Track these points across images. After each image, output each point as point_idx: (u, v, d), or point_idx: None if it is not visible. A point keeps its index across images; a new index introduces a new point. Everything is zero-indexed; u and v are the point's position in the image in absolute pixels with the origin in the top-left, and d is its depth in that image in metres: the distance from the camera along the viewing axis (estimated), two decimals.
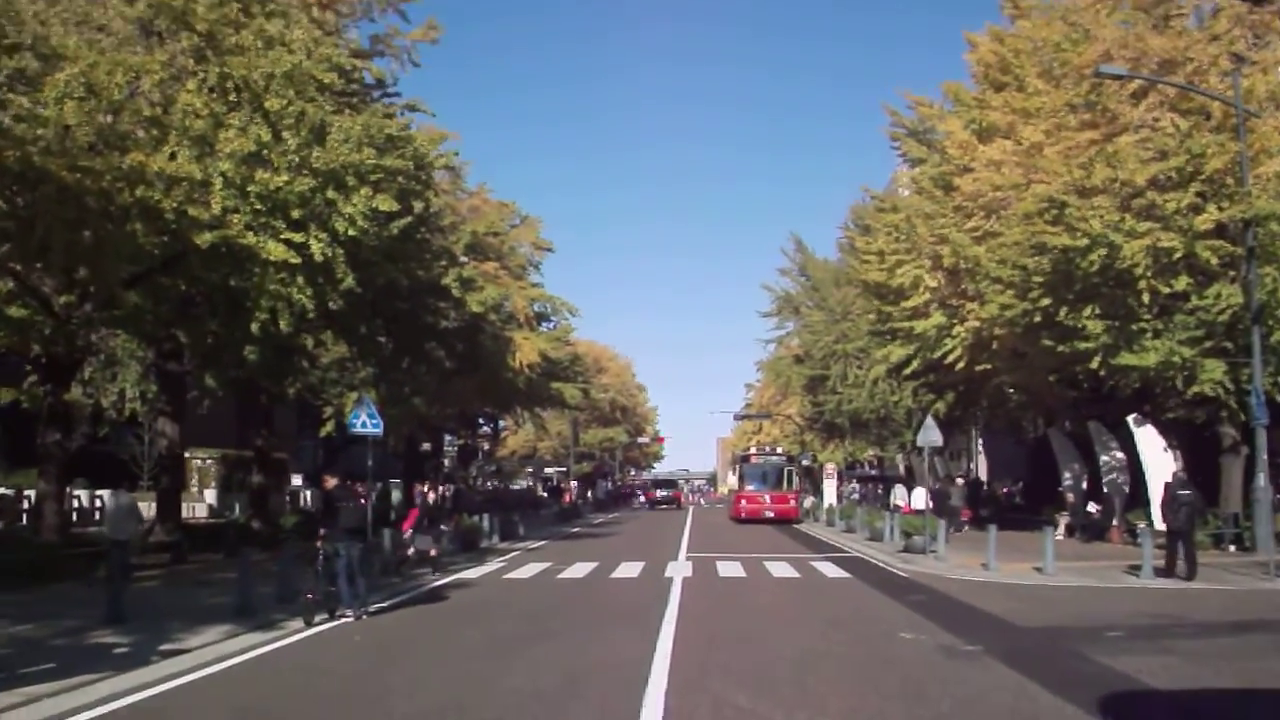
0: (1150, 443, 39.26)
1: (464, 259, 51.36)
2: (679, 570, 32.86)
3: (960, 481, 60.00)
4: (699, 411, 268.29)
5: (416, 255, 37.46)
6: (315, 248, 28.30)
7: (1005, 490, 72.70)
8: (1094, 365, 36.22)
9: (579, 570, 33.07)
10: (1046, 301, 36.03)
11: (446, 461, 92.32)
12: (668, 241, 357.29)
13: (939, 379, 52.33)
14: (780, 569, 33.31)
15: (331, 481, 23.26)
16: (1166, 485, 32.39)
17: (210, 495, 60.55)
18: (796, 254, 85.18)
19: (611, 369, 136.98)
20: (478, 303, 44.39)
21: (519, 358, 58.69)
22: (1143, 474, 39.61)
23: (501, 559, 37.55)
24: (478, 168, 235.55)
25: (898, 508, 50.30)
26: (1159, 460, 38.90)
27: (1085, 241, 33.96)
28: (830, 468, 77.69)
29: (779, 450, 78.15)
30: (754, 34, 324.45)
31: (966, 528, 47.62)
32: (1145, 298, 34.47)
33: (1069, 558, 32.59)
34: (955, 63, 60.11)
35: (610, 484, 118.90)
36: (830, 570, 32.98)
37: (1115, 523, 41.06)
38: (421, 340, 44.01)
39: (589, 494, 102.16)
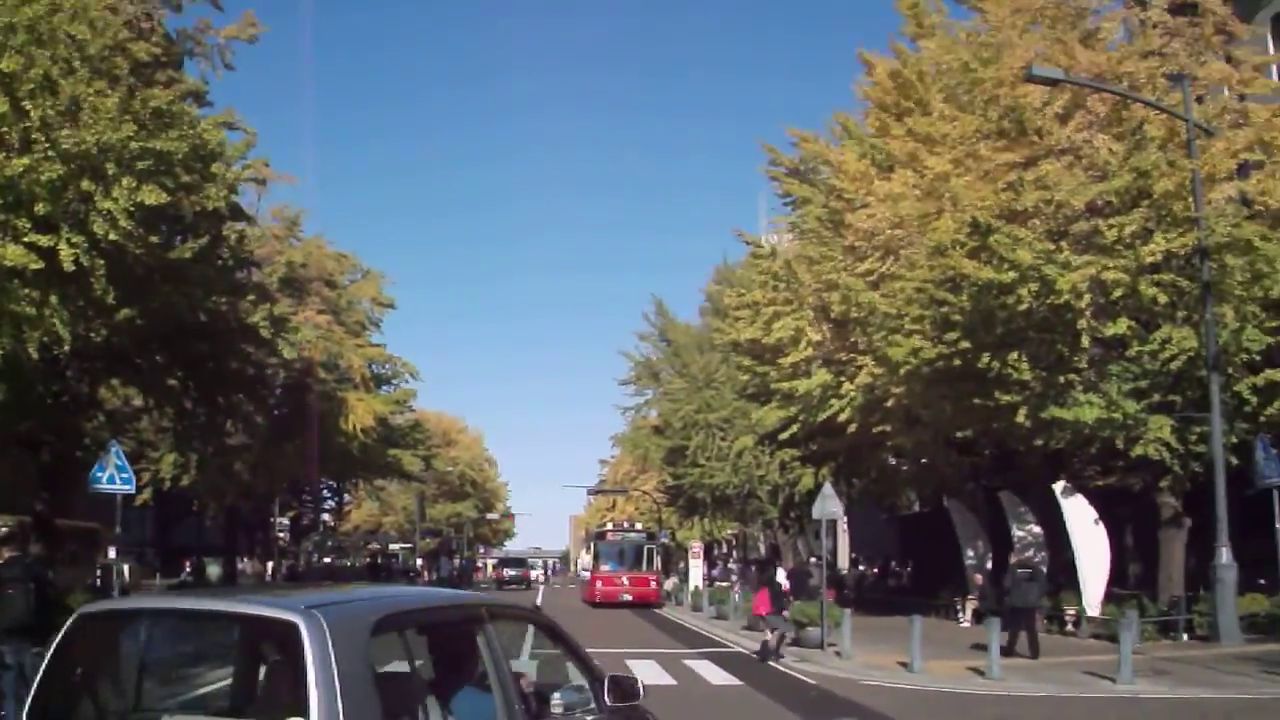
0: (1079, 515, 33.93)
1: (293, 312, 45.34)
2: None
3: (813, 560, 54.86)
4: (552, 489, 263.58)
5: (211, 283, 30.81)
6: (64, 254, 22.14)
7: (876, 570, 67.97)
8: (1020, 418, 30.85)
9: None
10: (966, 345, 30.62)
11: (283, 536, 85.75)
12: (521, 310, 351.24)
13: (822, 446, 47.21)
14: (649, 671, 25.74)
15: (2, 554, 16.32)
16: (1009, 565, 31.92)
17: None
18: (657, 318, 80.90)
19: (462, 441, 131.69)
20: (290, 345, 37.63)
21: (352, 420, 52.93)
22: (1070, 552, 34.28)
23: None
24: (322, 224, 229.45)
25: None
26: (1090, 534, 33.65)
27: (1013, 275, 28.70)
28: (696, 546, 72.32)
29: (638, 527, 72.31)
30: (614, 81, 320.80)
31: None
32: (1085, 341, 29.50)
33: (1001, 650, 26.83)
34: (835, 103, 55.46)
35: (455, 561, 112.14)
36: (713, 674, 26.53)
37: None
38: (228, 390, 37.37)
39: (435, 572, 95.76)
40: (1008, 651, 26.72)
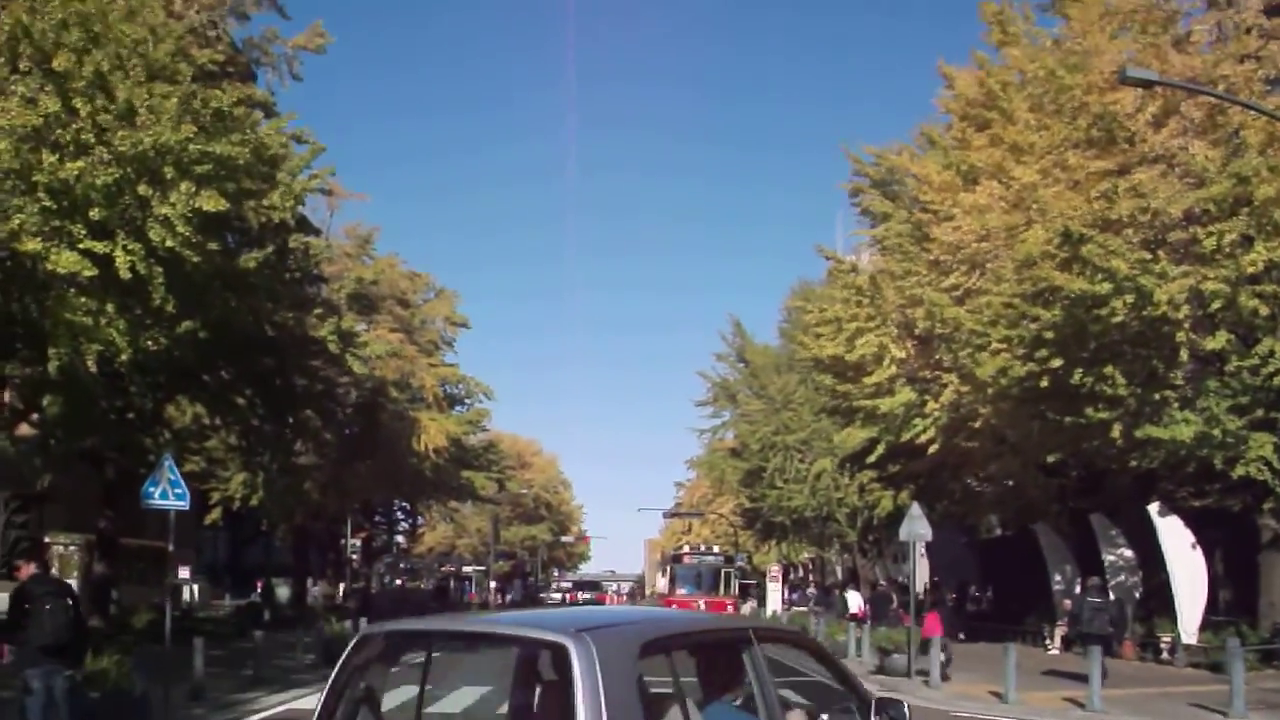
0: (1175, 537, 32.65)
1: (363, 327, 44.62)
2: None
3: (881, 585, 54.00)
4: (627, 512, 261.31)
5: (276, 295, 29.94)
6: (120, 261, 21.32)
7: (954, 596, 66.41)
8: (1113, 435, 29.68)
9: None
10: (1058, 362, 29.39)
11: (355, 557, 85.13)
12: (597, 332, 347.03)
13: (903, 468, 46.10)
14: None
15: (27, 569, 14.96)
16: (1076, 595, 32.45)
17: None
18: (735, 338, 79.42)
19: (536, 464, 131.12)
20: (359, 361, 36.69)
21: (424, 440, 52.17)
22: (1163, 576, 33.00)
23: None
24: (396, 244, 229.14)
25: (854, 617, 43.08)
26: (1186, 557, 32.39)
27: (1107, 286, 27.45)
28: (775, 569, 71.13)
29: (715, 550, 71.06)
30: (696, 105, 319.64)
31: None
32: (1183, 355, 28.23)
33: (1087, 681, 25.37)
34: (911, 123, 53.80)
35: (526, 584, 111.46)
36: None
37: (1127, 635, 34.27)
38: (296, 406, 36.56)
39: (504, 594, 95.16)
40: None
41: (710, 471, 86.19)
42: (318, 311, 34.08)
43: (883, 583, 57.94)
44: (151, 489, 22.70)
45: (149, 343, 23.54)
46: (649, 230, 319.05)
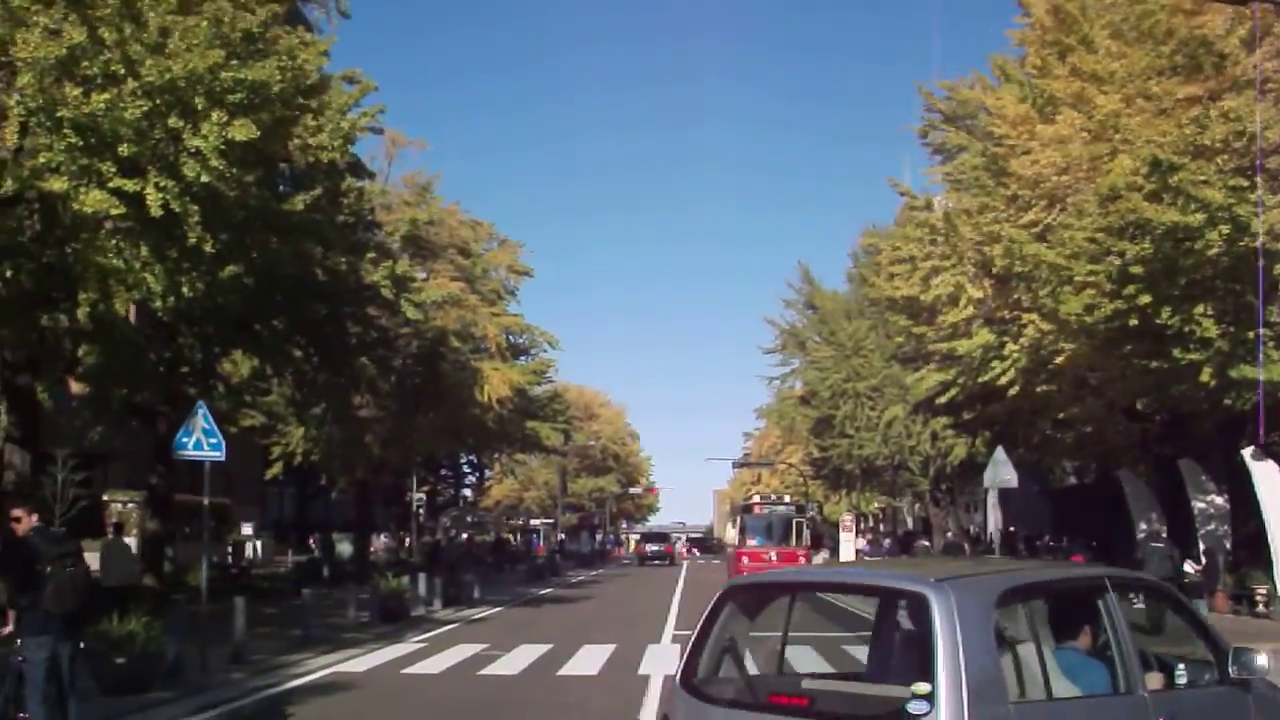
0: (1271, 483, 31.09)
1: (421, 274, 43.51)
2: (661, 661, 22.77)
3: (950, 534, 52.89)
4: (695, 462, 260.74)
5: (327, 238, 28.61)
6: (151, 198, 20.10)
7: (1024, 547, 65.00)
8: (1204, 378, 28.12)
9: (519, 658, 23.72)
10: (1146, 299, 27.83)
11: (421, 511, 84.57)
12: (664, 281, 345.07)
13: (980, 413, 44.72)
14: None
15: (29, 521, 12.53)
16: (1141, 538, 32.56)
17: (129, 543, 52.45)
18: (803, 285, 77.72)
19: (604, 415, 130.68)
20: (413, 306, 35.51)
21: (487, 391, 51.07)
22: (1260, 524, 31.45)
23: (425, 635, 28.59)
24: (457, 192, 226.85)
25: None
26: None
27: (1201, 217, 25.87)
28: (848, 519, 69.94)
29: (785, 499, 69.68)
30: (760, 52, 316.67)
31: None
32: None
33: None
34: (979, 62, 51.65)
35: (594, 537, 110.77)
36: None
37: (1219, 586, 32.78)
38: (350, 356, 35.41)
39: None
40: None
41: (779, 420, 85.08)
42: (371, 256, 32.88)
43: (953, 532, 56.79)
44: (185, 439, 21.55)
45: (186, 288, 22.31)
46: (713, 180, 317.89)
